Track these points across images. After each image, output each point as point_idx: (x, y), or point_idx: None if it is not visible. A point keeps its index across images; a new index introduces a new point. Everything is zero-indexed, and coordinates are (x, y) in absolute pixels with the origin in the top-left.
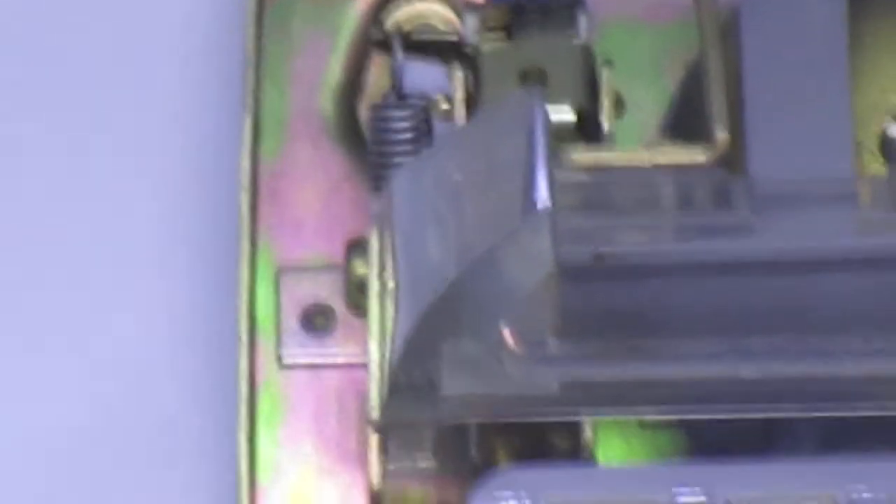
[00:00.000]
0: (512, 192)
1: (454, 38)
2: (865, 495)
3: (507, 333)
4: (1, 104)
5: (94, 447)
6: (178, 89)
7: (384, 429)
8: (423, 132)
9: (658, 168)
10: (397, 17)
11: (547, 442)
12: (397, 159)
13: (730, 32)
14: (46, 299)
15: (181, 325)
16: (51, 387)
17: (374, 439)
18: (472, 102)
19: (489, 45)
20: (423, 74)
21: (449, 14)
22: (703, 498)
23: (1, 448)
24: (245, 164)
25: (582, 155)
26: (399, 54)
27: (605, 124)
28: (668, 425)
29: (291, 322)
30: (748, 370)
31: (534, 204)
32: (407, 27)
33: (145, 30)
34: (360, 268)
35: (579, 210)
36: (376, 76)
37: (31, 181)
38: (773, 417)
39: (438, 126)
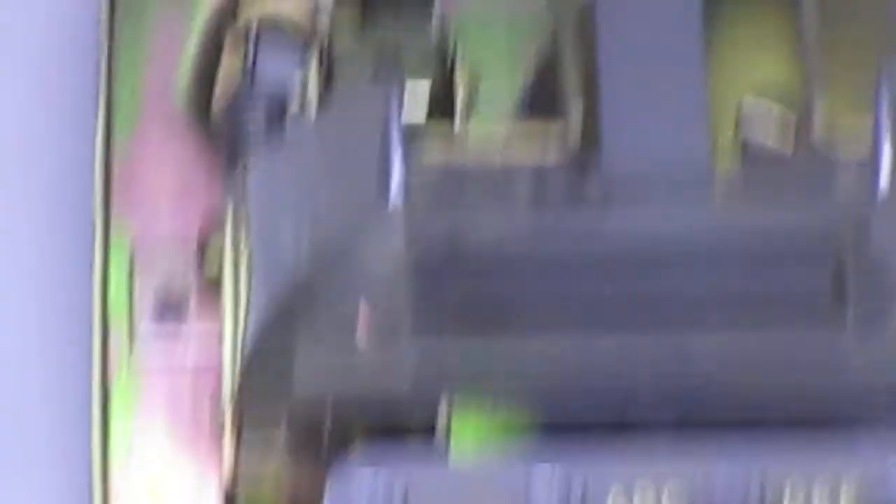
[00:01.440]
0: (366, 186)
1: (306, 25)
2: (719, 470)
3: (360, 326)
4: None
5: None
6: (30, 71)
7: (238, 418)
8: (277, 125)
9: (512, 156)
10: (253, 9)
11: (401, 428)
12: (250, 150)
13: (586, 20)
14: None
15: (35, 312)
16: None
17: (226, 431)
18: (326, 94)
19: (344, 34)
20: (276, 67)
21: (303, 7)
22: (559, 471)
23: None
24: (98, 146)
25: (435, 151)
26: (251, 45)
27: (460, 97)
28: (522, 406)
29: (145, 303)
30: (602, 370)
31: (387, 199)
32: (261, 19)
33: None
34: (209, 247)
35: (433, 204)
36: (232, 61)
37: None
38: (627, 394)
39: (292, 118)
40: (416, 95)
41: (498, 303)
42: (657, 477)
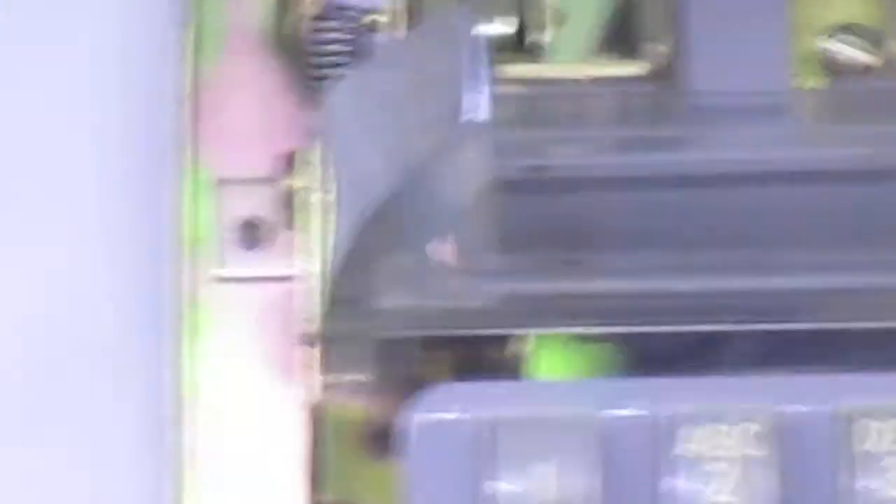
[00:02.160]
0: (450, 105)
1: None
2: (804, 409)
3: (445, 246)
4: None
5: (25, 365)
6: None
7: (323, 342)
8: (361, 46)
9: (596, 81)
10: None
11: (485, 357)
12: (334, 72)
13: None
14: None
15: (114, 241)
16: None
17: (311, 353)
18: (412, 16)
19: None
20: None
21: None
22: (643, 412)
23: None
24: (185, 76)
25: (519, 68)
26: None
27: (544, 37)
28: (607, 340)
29: (228, 235)
30: (687, 284)
31: (471, 116)
32: None
33: None
34: (294, 181)
35: (517, 123)
36: None
37: None
38: (713, 332)
39: (376, 39)
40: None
41: (582, 222)
42: (738, 414)
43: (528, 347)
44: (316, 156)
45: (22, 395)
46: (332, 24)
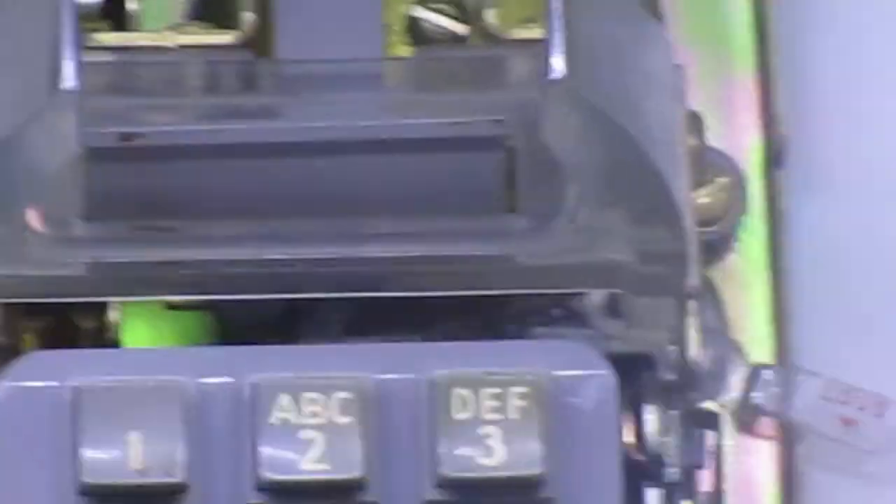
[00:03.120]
0: (38, 72)
1: None
2: (392, 377)
3: (32, 214)
4: None
5: None
6: None
7: None
8: None
9: (187, 50)
10: None
11: (74, 326)
12: None
13: None
14: None
15: None
16: None
17: None
18: None
19: None
20: None
21: None
22: (229, 379)
23: None
24: None
25: (111, 35)
26: None
27: (134, 4)
28: (195, 309)
29: None
30: (274, 252)
31: (60, 84)
32: None
33: None
34: None
35: (106, 91)
36: None
37: None
38: (300, 300)
39: None
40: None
41: (172, 190)
42: (327, 384)
43: (118, 316)
44: None
45: None
46: None
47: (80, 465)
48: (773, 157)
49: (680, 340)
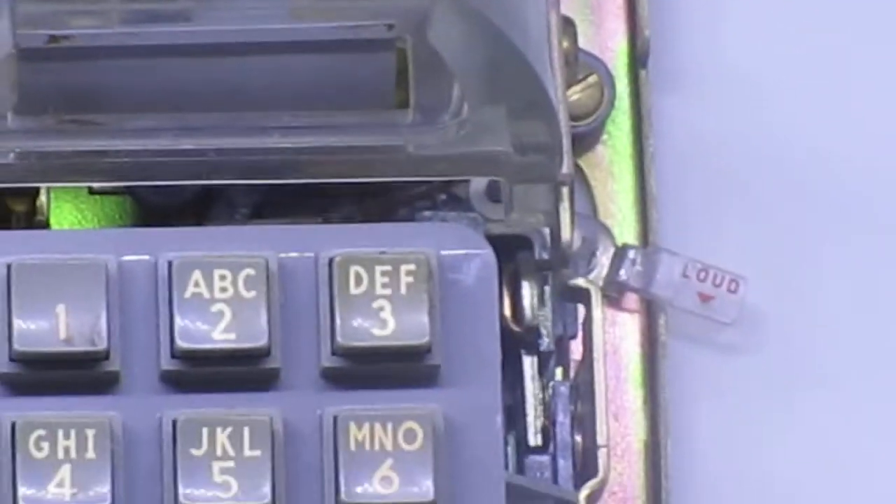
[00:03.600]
0: None
1: None
2: (292, 255)
3: None
4: None
5: None
6: None
7: None
8: None
9: None
10: None
11: (6, 209)
12: None
13: None
14: None
15: None
16: None
17: None
18: None
19: None
20: None
21: None
22: (147, 258)
23: None
24: None
25: None
26: None
27: None
28: (117, 194)
29: None
30: (188, 142)
31: None
32: None
33: None
34: None
35: None
36: None
37: None
38: (210, 187)
39: None
40: None
41: (95, 87)
42: (235, 262)
43: (46, 200)
44: None
45: None
46: None
47: (12, 335)
48: (638, 58)
49: (554, 223)
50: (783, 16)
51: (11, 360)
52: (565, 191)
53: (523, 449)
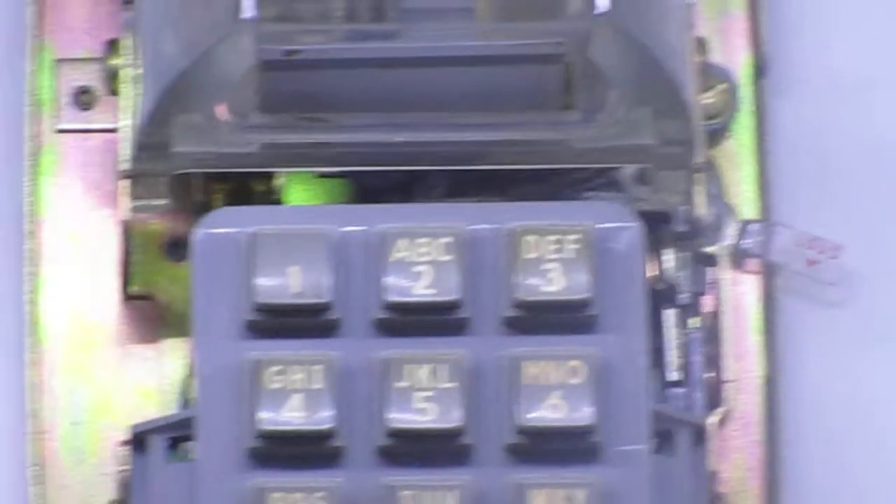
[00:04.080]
0: (225, 7)
1: None
2: (480, 227)
3: (221, 108)
4: None
5: None
6: None
7: (133, 175)
8: None
9: None
10: None
11: (252, 189)
12: None
13: None
14: None
15: None
16: None
17: (123, 185)
18: None
19: None
20: None
21: None
22: (363, 228)
23: None
24: None
25: None
26: None
27: None
28: (338, 177)
29: (66, 99)
30: (396, 136)
31: (241, 14)
32: None
33: None
34: (115, 60)
35: (274, 20)
36: None
37: None
38: (413, 172)
39: None
40: None
41: (323, 91)
42: (433, 232)
43: (282, 182)
44: (130, 41)
45: None
46: None
47: (254, 290)
48: (759, 70)
49: (689, 202)
50: (877, 31)
51: (254, 310)
52: (699, 176)
53: (664, 383)
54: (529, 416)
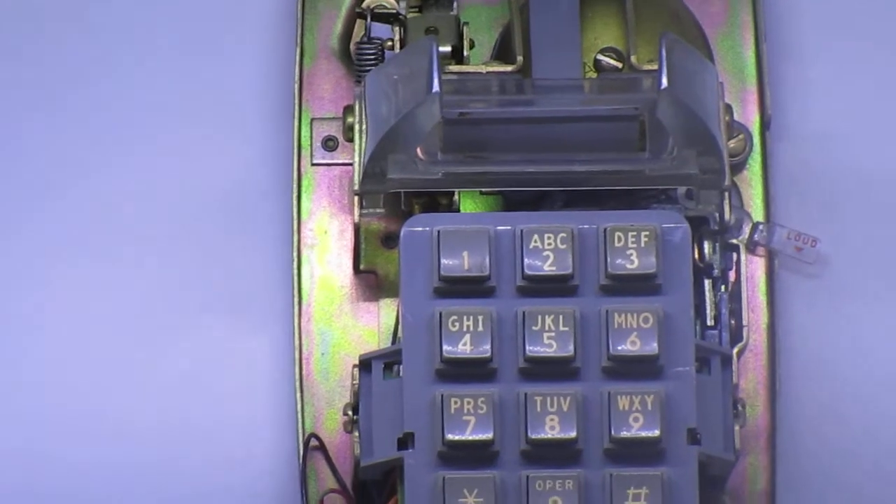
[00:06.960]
0: (423, 83)
1: (395, 11)
2: (585, 226)
3: (419, 150)
4: None
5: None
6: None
7: (361, 193)
8: (381, 57)
9: (490, 73)
10: (368, 1)
11: (437, 202)
12: (368, 69)
13: None
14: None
15: (256, 159)
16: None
17: (356, 199)
18: (403, 43)
19: (411, 14)
20: (379, 28)
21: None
22: (509, 227)
23: None
24: (296, 71)
25: (453, 66)
26: (369, 19)
27: (465, 52)
28: (494, 194)
29: (317, 144)
30: (532, 168)
31: (432, 89)
32: (373, 5)
33: None
34: (350, 118)
35: (452, 93)
36: (358, 29)
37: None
38: (543, 191)
39: (388, 54)
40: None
41: (486, 139)
42: (555, 230)
43: (458, 198)
44: (359, 106)
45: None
46: (367, 47)
47: (440, 267)
48: (764, 125)
49: (720, 210)
50: (853, 91)
51: (439, 280)
52: (726, 194)
53: (704, 327)
54: (618, 348)
